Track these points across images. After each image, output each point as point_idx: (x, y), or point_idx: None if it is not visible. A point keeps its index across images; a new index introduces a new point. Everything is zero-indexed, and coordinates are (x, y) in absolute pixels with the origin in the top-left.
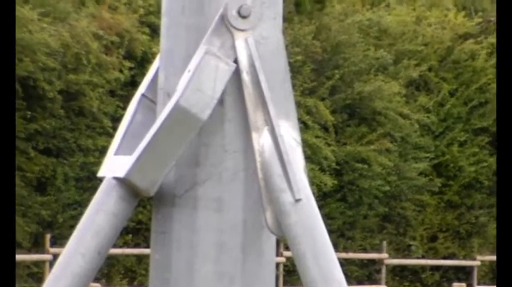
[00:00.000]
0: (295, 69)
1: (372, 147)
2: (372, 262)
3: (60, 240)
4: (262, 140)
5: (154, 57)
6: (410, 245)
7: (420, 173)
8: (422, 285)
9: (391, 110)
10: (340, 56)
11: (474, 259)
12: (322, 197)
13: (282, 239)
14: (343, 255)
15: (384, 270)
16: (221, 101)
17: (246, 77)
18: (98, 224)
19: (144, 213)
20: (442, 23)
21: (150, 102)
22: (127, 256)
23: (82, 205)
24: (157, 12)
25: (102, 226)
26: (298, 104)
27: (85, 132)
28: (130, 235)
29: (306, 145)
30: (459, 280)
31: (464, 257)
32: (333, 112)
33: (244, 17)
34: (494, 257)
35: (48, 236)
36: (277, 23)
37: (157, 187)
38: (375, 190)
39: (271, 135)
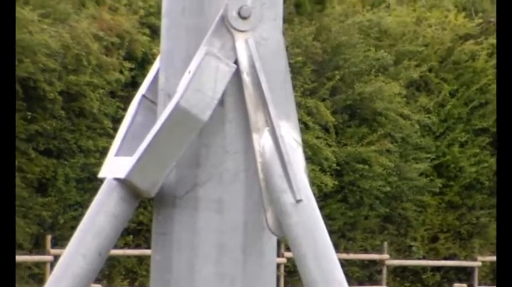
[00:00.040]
0: (295, 70)
1: (373, 148)
2: (373, 262)
3: (61, 241)
4: (262, 141)
5: (154, 58)
6: (411, 246)
7: (421, 174)
8: (423, 286)
9: (392, 110)
10: (341, 57)
11: (475, 260)
12: (323, 198)
13: (282, 239)
14: (344, 256)
15: (384, 271)
16: (222, 102)
17: (246, 78)
18: (99, 225)
19: (145, 214)
20: (442, 24)
21: (151, 103)
22: (128, 257)
23: (83, 206)
24: (157, 13)
25: (103, 227)
26: (299, 105)
27: (85, 133)
28: (131, 236)
29: (306, 145)
30: (460, 281)
31: (465, 258)
32: (333, 113)
33: (244, 18)
34: (495, 258)
35: (49, 237)
36: (277, 24)
37: (158, 188)
38: (376, 191)
39: (272, 136)
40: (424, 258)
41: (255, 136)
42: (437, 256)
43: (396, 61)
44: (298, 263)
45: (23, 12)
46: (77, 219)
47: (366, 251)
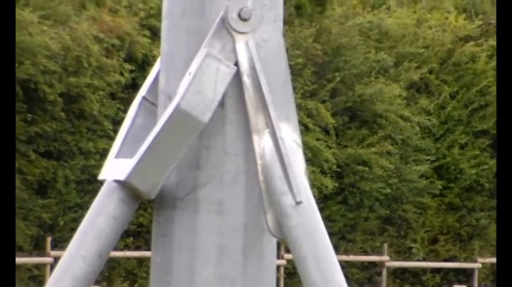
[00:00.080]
0: (295, 72)
1: (373, 149)
2: (373, 264)
3: (61, 243)
4: (263, 143)
5: (155, 60)
6: (411, 248)
7: (421, 176)
8: None
9: (392, 112)
10: (341, 59)
11: (475, 261)
12: (323, 200)
13: (282, 241)
14: (344, 257)
15: (384, 272)
16: (222, 104)
17: (246, 79)
18: (99, 227)
19: (145, 216)
20: (442, 26)
21: (151, 105)
22: (128, 258)
23: (83, 207)
24: (158, 15)
25: (103, 229)
26: (299, 107)
27: (86, 135)
28: (131, 238)
29: (306, 147)
30: (460, 283)
31: (465, 260)
32: (333, 115)
33: (244, 20)
34: (495, 260)
35: (49, 239)
36: (277, 26)
37: (158, 189)
38: (376, 193)
39: (272, 138)
40: (424, 260)
41: (255, 138)
42: (437, 258)
43: (396, 63)
44: (298, 265)
45: (23, 14)
46: (77, 221)
47: (365, 252)
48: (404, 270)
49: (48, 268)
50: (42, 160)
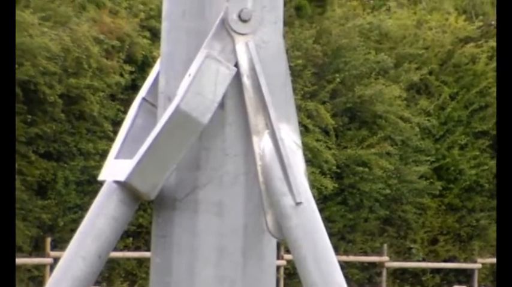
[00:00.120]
0: (295, 73)
1: (373, 150)
2: (373, 264)
3: (60, 244)
4: (262, 144)
5: (154, 61)
6: (411, 248)
7: (421, 176)
8: None
9: (392, 113)
10: (341, 60)
11: (475, 262)
12: (323, 201)
13: (282, 242)
14: (344, 258)
15: (384, 273)
16: (222, 105)
17: (246, 80)
18: (99, 228)
19: (145, 217)
20: (442, 27)
21: (151, 106)
22: (128, 259)
23: (83, 208)
24: (158, 17)
25: (103, 230)
26: (299, 108)
27: (86, 136)
28: (131, 239)
29: (306, 148)
30: (460, 283)
31: (465, 260)
32: (333, 116)
33: (244, 21)
34: (494, 260)
35: (48, 240)
36: (277, 27)
37: (158, 190)
38: (376, 193)
39: (272, 139)
40: (423, 260)
41: (255, 139)
42: (437, 258)
43: (396, 64)
44: (298, 266)
45: (23, 16)
46: (76, 222)
47: (365, 253)
48: (404, 270)
49: (47, 268)
50: (42, 160)
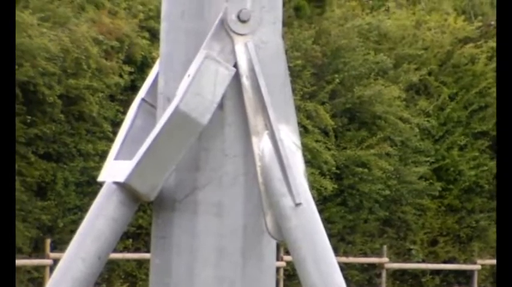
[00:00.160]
0: (295, 74)
1: (372, 151)
2: (372, 266)
3: (60, 245)
4: (262, 145)
5: (154, 62)
6: (410, 249)
7: (420, 177)
8: None
9: (391, 114)
10: (340, 61)
11: (474, 263)
12: (322, 202)
13: (282, 243)
14: (344, 259)
15: (384, 274)
16: (221, 106)
17: (245, 81)
18: (98, 229)
19: (145, 218)
20: (441, 27)
21: (150, 106)
22: (127, 260)
23: (82, 209)
24: (157, 17)
25: (103, 231)
26: (298, 109)
27: (85, 137)
28: (130, 240)
29: (306, 149)
30: (459, 284)
31: (465, 261)
32: (333, 116)
33: (243, 22)
34: (494, 261)
35: (48, 241)
36: (276, 28)
37: (157, 191)
38: (375, 194)
39: (271, 140)
40: (423, 261)
41: (254, 140)
42: (436, 260)
43: (396, 64)
44: (297, 267)
45: (22, 16)
46: (76, 223)
47: (365, 254)
48: (403, 272)
49: (47, 270)
50: (41, 161)
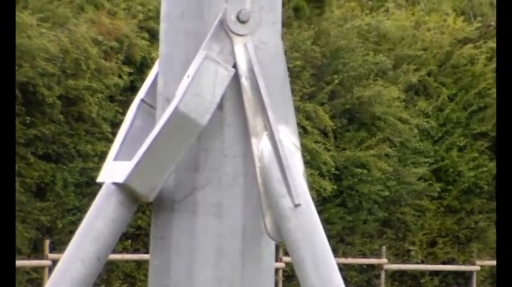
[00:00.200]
0: (294, 74)
1: (371, 152)
2: (371, 267)
3: (59, 246)
4: (261, 145)
5: (153, 63)
6: (409, 250)
7: (419, 178)
8: None
9: (391, 115)
10: (340, 61)
11: (474, 264)
12: (322, 202)
13: (281, 244)
14: (343, 260)
15: (383, 275)
16: (220, 106)
17: (245, 82)
18: (97, 230)
19: (144, 218)
20: (441, 28)
21: (149, 107)
22: (126, 261)
23: (81, 210)
24: (156, 18)
25: (102, 232)
26: (298, 109)
27: (84, 138)
28: (129, 241)
29: (305, 149)
30: (458, 285)
31: (464, 262)
32: (332, 117)
33: (243, 22)
34: (493, 262)
35: (47, 242)
36: (276, 28)
37: (156, 192)
38: (375, 195)
39: (271, 141)
40: (422, 262)
41: (253, 140)
42: (435, 261)
43: (395, 65)
44: (296, 268)
45: (22, 17)
46: (75, 224)
47: (364, 255)
48: (402, 273)
49: (46, 271)
50: (40, 162)
